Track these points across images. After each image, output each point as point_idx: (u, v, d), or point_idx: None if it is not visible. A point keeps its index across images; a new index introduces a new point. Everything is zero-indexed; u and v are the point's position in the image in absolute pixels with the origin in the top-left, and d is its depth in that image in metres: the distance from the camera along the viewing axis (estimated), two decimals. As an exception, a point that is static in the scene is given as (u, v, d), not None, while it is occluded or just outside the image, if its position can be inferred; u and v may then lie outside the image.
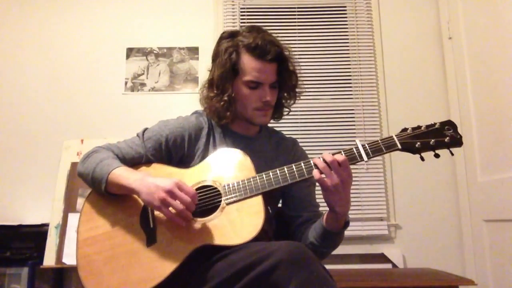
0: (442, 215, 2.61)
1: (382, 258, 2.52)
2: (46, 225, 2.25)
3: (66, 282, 2.44)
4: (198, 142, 1.30)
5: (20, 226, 2.31)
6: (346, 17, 2.87)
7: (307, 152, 1.45)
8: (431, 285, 1.90)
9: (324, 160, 1.09)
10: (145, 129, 1.31)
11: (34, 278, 2.25)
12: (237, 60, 1.26)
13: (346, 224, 1.18)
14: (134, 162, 1.26)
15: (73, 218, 2.22)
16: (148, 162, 1.27)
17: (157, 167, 1.26)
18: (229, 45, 1.28)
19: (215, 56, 1.33)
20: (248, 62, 1.26)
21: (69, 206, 2.27)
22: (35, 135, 2.71)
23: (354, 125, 2.74)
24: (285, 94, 1.37)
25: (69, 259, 2.13)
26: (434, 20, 2.84)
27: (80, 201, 2.27)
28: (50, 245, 2.17)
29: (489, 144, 2.25)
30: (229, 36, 1.32)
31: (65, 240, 2.17)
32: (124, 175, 1.15)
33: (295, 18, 2.86)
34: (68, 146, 2.43)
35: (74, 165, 2.36)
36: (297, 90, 1.37)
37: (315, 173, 1.09)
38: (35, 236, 2.27)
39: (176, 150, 1.29)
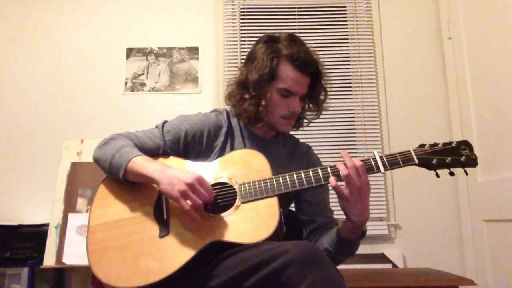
0: (442, 215, 2.61)
1: (382, 258, 2.52)
2: (46, 225, 2.25)
3: (66, 282, 2.44)
4: (217, 140, 1.31)
5: (20, 226, 2.30)
6: (346, 17, 2.87)
7: (307, 152, 1.45)
8: (431, 285, 1.90)
9: (345, 164, 1.10)
10: (165, 122, 1.32)
11: (34, 278, 2.25)
12: (276, 66, 1.27)
13: (363, 234, 1.19)
14: (151, 153, 1.26)
15: (73, 218, 2.22)
16: (165, 154, 1.28)
17: (174, 160, 1.26)
18: (270, 50, 1.29)
19: (252, 57, 1.33)
20: (287, 70, 1.27)
21: (69, 206, 2.26)
22: (35, 135, 2.71)
23: (354, 125, 2.74)
24: (310, 106, 1.40)
25: (69, 259, 2.12)
26: (434, 20, 2.84)
27: (80, 201, 2.27)
28: (50, 245, 2.17)
29: (489, 144, 2.25)
30: (269, 40, 1.32)
31: (65, 240, 2.16)
32: (144, 164, 1.16)
33: (295, 18, 2.86)
34: (68, 146, 2.43)
35: (74, 165, 2.36)
36: (323, 106, 1.40)
37: (331, 180, 1.10)
38: (35, 236, 2.27)
39: (194, 145, 1.29)
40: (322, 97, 1.38)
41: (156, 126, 1.32)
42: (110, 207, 1.20)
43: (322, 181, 1.14)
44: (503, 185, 2.11)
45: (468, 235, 2.47)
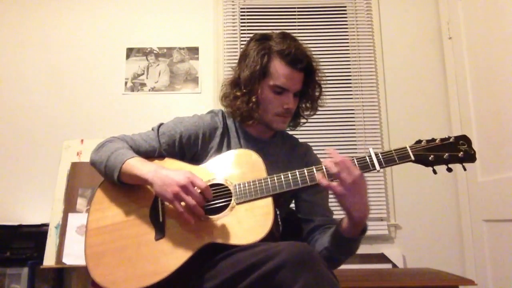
0: (442, 215, 2.61)
1: (382, 258, 2.52)
2: (46, 225, 2.25)
3: (66, 282, 2.44)
4: (212, 142, 1.31)
5: (20, 226, 2.31)
6: (346, 17, 2.87)
7: (307, 152, 1.45)
8: (431, 285, 1.90)
9: (330, 161, 1.08)
10: (161, 124, 1.32)
11: (34, 278, 2.25)
12: (267, 63, 1.27)
13: (364, 231, 1.15)
14: (147, 155, 1.27)
15: (73, 218, 2.22)
16: (160, 156, 1.28)
17: (169, 162, 1.26)
18: (261, 47, 1.28)
19: (244, 56, 1.33)
20: (278, 67, 1.26)
21: (69, 206, 2.26)
22: (35, 135, 2.71)
23: (354, 125, 2.74)
24: (306, 105, 1.38)
25: (69, 259, 2.12)
26: (434, 20, 2.84)
27: (80, 201, 2.27)
28: (50, 245, 2.17)
29: (489, 144, 2.25)
30: (262, 38, 1.32)
31: (65, 240, 2.17)
32: (138, 165, 1.16)
33: (295, 18, 2.86)
34: (68, 146, 2.43)
35: (74, 165, 2.36)
36: (319, 102, 1.38)
37: (321, 179, 1.08)
38: (35, 236, 2.27)
39: (189, 147, 1.29)
40: (317, 93, 1.36)
41: (152, 129, 1.32)
42: (108, 211, 1.20)
43: (317, 180, 1.12)
44: (503, 185, 2.11)
45: (468, 235, 2.47)
